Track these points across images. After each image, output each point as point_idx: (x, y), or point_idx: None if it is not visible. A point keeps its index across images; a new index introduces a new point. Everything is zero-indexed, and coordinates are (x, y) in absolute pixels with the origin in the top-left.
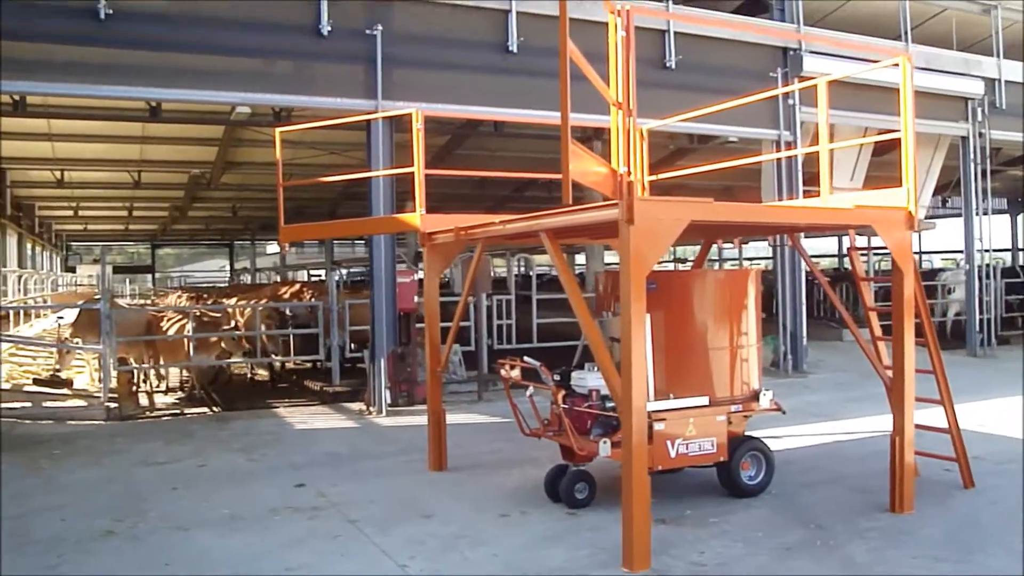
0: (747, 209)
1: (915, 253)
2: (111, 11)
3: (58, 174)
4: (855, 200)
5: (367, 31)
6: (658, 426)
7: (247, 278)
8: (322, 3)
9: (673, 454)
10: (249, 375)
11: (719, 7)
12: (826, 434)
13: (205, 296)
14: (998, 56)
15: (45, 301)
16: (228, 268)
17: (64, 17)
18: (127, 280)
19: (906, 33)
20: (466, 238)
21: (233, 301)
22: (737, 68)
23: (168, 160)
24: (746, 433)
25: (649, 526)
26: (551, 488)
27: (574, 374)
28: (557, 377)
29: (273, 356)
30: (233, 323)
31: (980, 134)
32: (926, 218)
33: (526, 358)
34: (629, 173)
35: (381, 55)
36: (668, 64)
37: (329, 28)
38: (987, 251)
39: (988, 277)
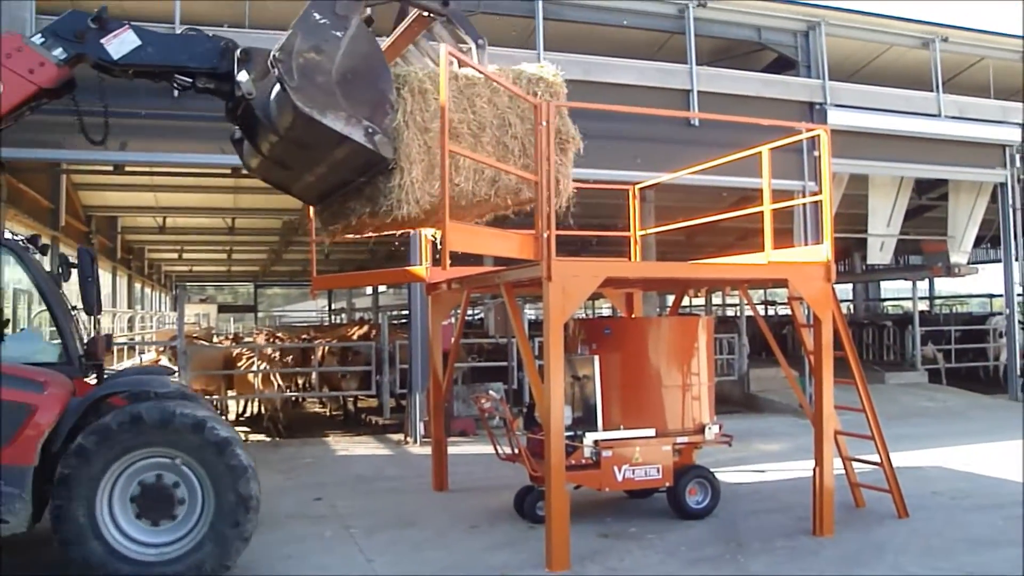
0: (658, 267)
1: (963, 296)
2: None
3: (160, 220)
4: (779, 257)
5: None
6: (605, 453)
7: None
8: None
9: (620, 478)
10: (329, 411)
11: (748, 67)
12: (804, 469)
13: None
14: None
15: (144, 339)
16: (327, 308)
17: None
18: (231, 319)
19: (938, 85)
20: (455, 290)
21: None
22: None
23: (259, 208)
24: (695, 463)
25: (567, 533)
26: (519, 506)
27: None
28: (516, 410)
29: (332, 392)
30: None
31: (1020, 180)
32: (969, 263)
33: (491, 392)
34: (549, 239)
35: None
36: (692, 122)
37: None
38: None
39: None
